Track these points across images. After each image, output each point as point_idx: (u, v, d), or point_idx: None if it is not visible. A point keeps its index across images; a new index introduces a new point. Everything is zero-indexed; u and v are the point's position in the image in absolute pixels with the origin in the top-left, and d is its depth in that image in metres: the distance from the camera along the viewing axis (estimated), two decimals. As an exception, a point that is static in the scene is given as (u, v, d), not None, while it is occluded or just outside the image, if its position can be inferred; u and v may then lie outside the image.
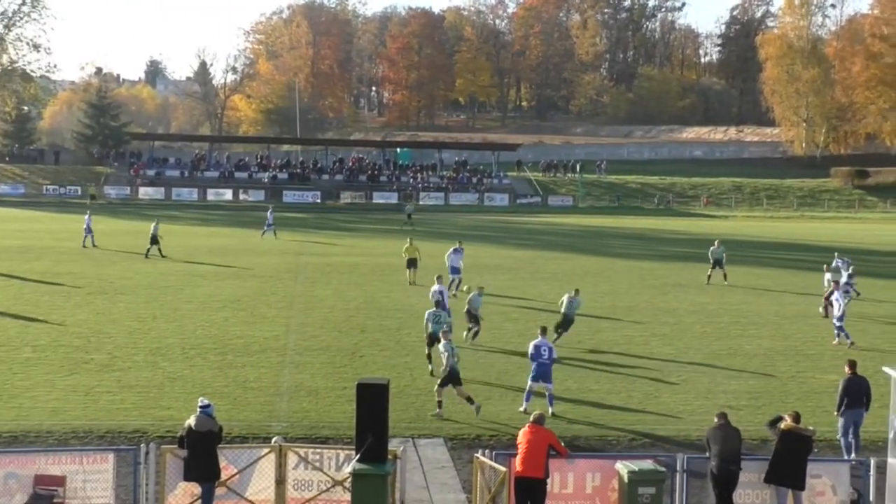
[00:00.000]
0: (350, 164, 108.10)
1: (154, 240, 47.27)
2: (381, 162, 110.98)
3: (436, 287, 28.55)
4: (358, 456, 13.44)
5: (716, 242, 42.55)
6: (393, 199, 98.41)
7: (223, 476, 14.51)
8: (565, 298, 28.32)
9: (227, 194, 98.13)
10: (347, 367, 24.33)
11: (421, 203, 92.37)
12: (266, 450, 15.02)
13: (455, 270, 37.24)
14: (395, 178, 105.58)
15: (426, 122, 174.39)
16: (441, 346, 20.92)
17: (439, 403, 20.32)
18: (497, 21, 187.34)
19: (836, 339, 28.64)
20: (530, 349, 20.94)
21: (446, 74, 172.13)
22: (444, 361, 20.58)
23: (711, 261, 41.59)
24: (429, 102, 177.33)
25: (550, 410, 20.04)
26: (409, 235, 45.25)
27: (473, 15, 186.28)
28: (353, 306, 33.72)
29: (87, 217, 52.50)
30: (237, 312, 32.05)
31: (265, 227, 58.21)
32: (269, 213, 60.16)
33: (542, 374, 20.63)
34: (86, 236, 51.20)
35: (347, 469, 14.00)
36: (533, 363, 20.74)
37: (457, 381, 20.37)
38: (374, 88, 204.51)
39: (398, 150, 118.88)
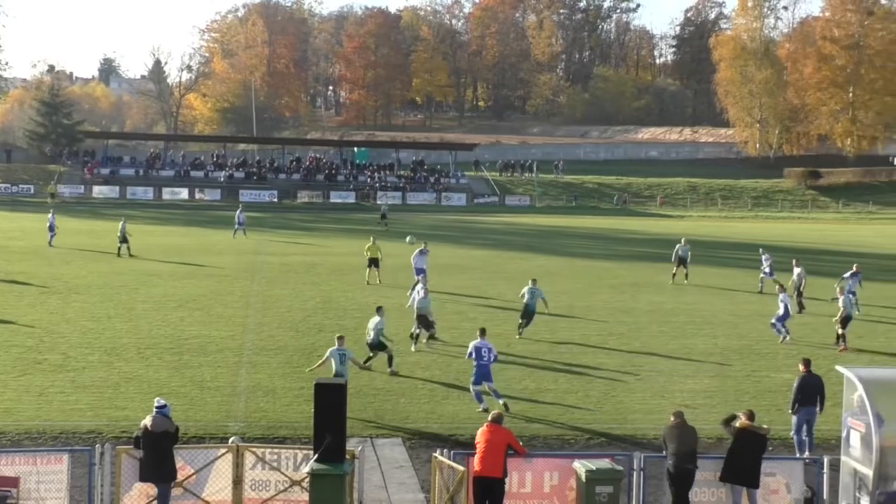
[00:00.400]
0: (307, 163, 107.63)
1: (123, 238, 46.94)
2: (339, 161, 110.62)
3: (419, 288, 28.95)
4: (316, 456, 13.42)
5: (682, 241, 42.76)
6: (350, 198, 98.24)
7: (179, 477, 14.42)
8: (526, 290, 28.84)
9: (183, 193, 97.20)
10: (305, 367, 24.20)
11: (378, 202, 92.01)
12: (223, 450, 14.94)
13: (420, 272, 37.17)
14: (352, 177, 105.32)
15: (383, 122, 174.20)
16: (329, 351, 20.52)
17: None
18: (453, 21, 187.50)
19: (785, 337, 28.96)
20: (470, 349, 20.80)
21: (403, 74, 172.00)
22: (333, 366, 20.11)
23: (676, 259, 41.85)
24: (386, 102, 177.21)
25: (501, 402, 20.11)
26: (372, 234, 45.07)
27: (430, 15, 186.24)
28: (310, 306, 33.60)
29: (50, 216, 51.61)
30: (193, 312, 31.81)
31: (239, 227, 57.71)
32: (238, 213, 59.26)
33: (484, 375, 20.63)
34: (51, 236, 50.44)
35: (305, 469, 13.96)
36: (474, 364, 20.59)
37: None
38: (330, 88, 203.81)
39: (355, 149, 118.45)
